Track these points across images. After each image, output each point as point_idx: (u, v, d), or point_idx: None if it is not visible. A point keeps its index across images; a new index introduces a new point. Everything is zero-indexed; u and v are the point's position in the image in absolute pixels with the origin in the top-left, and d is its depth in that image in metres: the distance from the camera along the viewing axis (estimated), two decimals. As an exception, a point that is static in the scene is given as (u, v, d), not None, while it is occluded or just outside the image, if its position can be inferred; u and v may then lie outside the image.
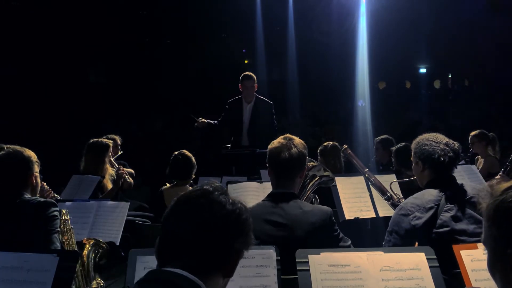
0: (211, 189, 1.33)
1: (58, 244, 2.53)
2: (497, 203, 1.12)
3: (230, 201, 1.31)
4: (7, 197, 2.54)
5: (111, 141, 4.81)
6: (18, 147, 2.66)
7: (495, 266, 1.15)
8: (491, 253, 1.16)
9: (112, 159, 4.78)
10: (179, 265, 1.22)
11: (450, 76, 15.74)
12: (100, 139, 4.70)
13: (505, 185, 1.15)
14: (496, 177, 4.39)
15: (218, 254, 1.26)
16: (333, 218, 2.36)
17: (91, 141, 4.69)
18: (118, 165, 4.80)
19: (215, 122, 6.15)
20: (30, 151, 2.66)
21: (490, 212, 1.14)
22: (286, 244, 1.91)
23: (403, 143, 4.83)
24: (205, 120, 6.01)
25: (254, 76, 5.97)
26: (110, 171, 4.70)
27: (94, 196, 4.17)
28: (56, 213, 2.56)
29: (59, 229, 2.57)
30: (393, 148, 4.83)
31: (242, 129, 6.04)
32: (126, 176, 4.77)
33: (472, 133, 5.80)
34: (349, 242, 2.39)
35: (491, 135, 5.93)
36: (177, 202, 1.33)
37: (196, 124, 6.00)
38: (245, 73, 6.03)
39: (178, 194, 3.88)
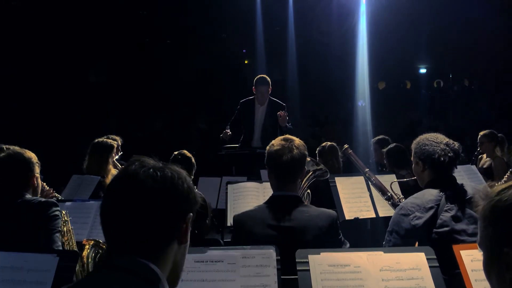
0: (136, 167, 1.26)
1: (60, 244, 2.53)
2: (492, 204, 1.13)
3: (159, 174, 1.24)
4: (8, 198, 2.54)
5: (115, 142, 4.79)
6: (18, 148, 2.66)
7: (491, 267, 1.15)
8: (487, 254, 1.16)
9: (114, 159, 4.77)
10: (129, 250, 1.20)
11: (450, 76, 15.74)
12: (104, 140, 4.67)
13: (501, 186, 1.15)
14: (504, 178, 4.39)
15: (164, 228, 1.23)
16: (338, 221, 2.35)
17: (96, 141, 4.66)
18: (120, 165, 4.79)
19: (228, 128, 5.99)
20: (31, 152, 2.66)
21: (486, 212, 1.14)
22: (292, 249, 1.88)
23: (394, 144, 4.86)
24: (228, 132, 5.86)
25: (269, 80, 5.85)
26: (113, 171, 4.70)
27: (96, 196, 4.16)
28: (57, 212, 2.56)
29: (60, 229, 2.57)
30: (384, 150, 4.83)
31: (254, 131, 5.95)
32: None
33: (482, 133, 5.74)
34: (348, 245, 2.39)
35: (501, 136, 5.88)
36: (108, 191, 1.28)
37: (221, 136, 5.88)
38: (260, 76, 5.91)
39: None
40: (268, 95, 5.87)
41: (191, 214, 1.28)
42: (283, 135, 5.59)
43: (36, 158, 2.68)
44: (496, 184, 1.22)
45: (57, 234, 2.53)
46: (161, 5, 11.55)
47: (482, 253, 1.18)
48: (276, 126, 5.85)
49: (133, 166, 1.27)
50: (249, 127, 5.96)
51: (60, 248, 2.53)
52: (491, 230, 1.12)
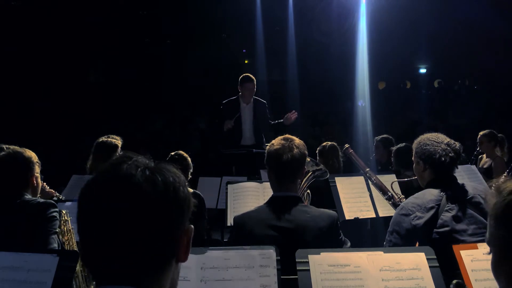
0: (130, 167, 1.00)
1: (56, 245, 2.53)
2: (506, 203, 1.09)
3: (159, 177, 1.00)
4: (7, 198, 2.53)
5: (119, 141, 4.77)
6: (18, 148, 2.65)
7: (500, 266, 1.12)
8: (497, 253, 1.13)
9: None
10: (119, 277, 0.96)
11: (450, 76, 15.74)
12: (109, 139, 4.66)
13: None
14: (501, 178, 4.38)
15: (164, 244, 1.00)
16: (338, 222, 2.35)
17: (100, 140, 4.64)
18: None
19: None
20: (31, 152, 2.65)
21: (498, 211, 1.11)
22: (293, 249, 1.87)
23: (403, 143, 4.81)
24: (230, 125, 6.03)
25: (254, 78, 6.03)
26: None
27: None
28: (55, 214, 2.55)
29: (57, 230, 2.56)
30: (393, 148, 4.80)
31: (242, 129, 6.08)
32: None
33: (481, 133, 5.73)
34: (349, 244, 2.39)
35: (500, 136, 5.87)
36: (91, 194, 1.00)
37: (225, 128, 6.02)
38: (246, 75, 6.06)
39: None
40: (254, 92, 6.05)
41: (192, 226, 1.08)
42: (271, 130, 5.82)
43: (36, 157, 2.67)
44: (495, 182, 1.20)
45: (54, 236, 2.52)
46: (161, 5, 11.55)
47: (490, 252, 1.15)
48: (264, 123, 6.11)
49: (125, 165, 1.01)
50: (237, 127, 6.07)
51: (56, 249, 2.53)
52: (503, 230, 1.09)
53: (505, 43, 11.25)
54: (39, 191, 2.75)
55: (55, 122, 9.95)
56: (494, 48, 11.76)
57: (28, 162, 2.59)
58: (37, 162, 2.66)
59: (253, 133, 6.09)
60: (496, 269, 1.14)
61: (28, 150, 2.65)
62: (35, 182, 2.64)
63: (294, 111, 5.96)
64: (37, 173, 2.65)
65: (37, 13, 10.10)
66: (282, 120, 5.97)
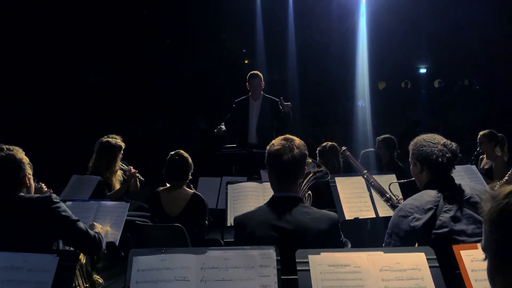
0: None
1: (84, 229, 2.51)
2: (501, 207, 1.07)
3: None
4: (3, 198, 2.51)
5: (123, 143, 4.77)
6: (13, 149, 2.62)
7: (496, 273, 1.09)
8: (493, 260, 1.10)
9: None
10: None
11: (450, 76, 15.75)
12: (113, 140, 4.65)
13: (509, 188, 1.10)
14: (505, 177, 4.38)
15: None
16: (339, 223, 2.35)
17: (105, 140, 4.63)
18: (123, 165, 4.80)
19: (223, 124, 6.15)
20: (22, 153, 2.63)
21: (493, 215, 1.08)
22: (293, 250, 1.87)
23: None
24: (223, 127, 6.03)
25: (261, 74, 6.10)
26: (119, 172, 4.70)
27: (98, 195, 4.15)
28: (59, 205, 2.52)
29: (75, 217, 2.53)
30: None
31: (249, 126, 6.12)
32: (138, 176, 4.75)
33: (481, 133, 5.71)
34: (349, 246, 2.39)
35: (500, 135, 5.86)
36: None
37: (216, 131, 6.07)
38: (252, 72, 6.15)
39: (174, 195, 3.84)
40: (260, 88, 6.09)
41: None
42: (279, 129, 5.82)
43: (27, 159, 2.64)
44: (497, 183, 1.18)
45: (78, 223, 2.51)
46: (161, 5, 11.56)
47: (486, 257, 1.13)
48: (271, 121, 6.09)
49: None
50: (244, 124, 6.13)
51: (90, 232, 2.53)
52: (498, 235, 1.06)
53: (505, 43, 11.25)
54: (33, 192, 2.73)
55: (55, 122, 9.95)
56: (494, 48, 11.75)
57: (19, 162, 2.57)
58: (28, 163, 2.64)
59: (256, 131, 6.09)
60: (492, 276, 1.11)
61: (20, 152, 2.63)
62: (27, 182, 2.63)
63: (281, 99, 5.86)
64: (29, 174, 2.64)
65: (37, 13, 10.10)
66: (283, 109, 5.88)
